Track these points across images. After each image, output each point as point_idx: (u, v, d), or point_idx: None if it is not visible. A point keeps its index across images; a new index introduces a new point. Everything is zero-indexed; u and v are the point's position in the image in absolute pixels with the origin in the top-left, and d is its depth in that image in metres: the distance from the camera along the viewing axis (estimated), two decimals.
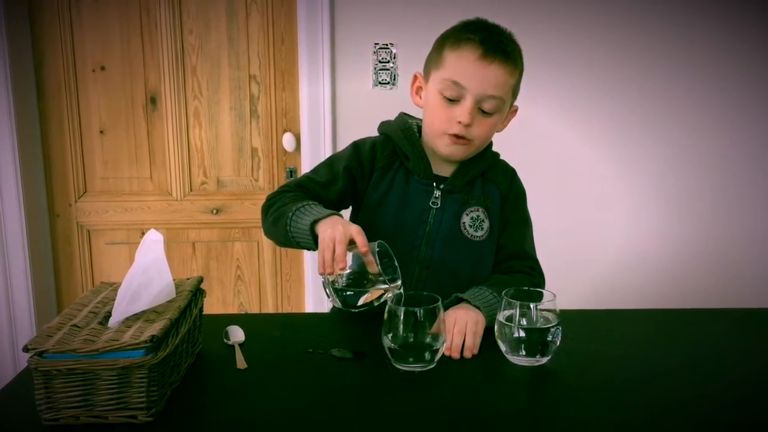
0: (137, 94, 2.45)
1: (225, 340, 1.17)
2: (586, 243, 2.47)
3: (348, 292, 1.05)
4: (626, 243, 2.49)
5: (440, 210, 1.31)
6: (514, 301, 1.06)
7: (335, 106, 2.38)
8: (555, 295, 1.08)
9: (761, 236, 2.50)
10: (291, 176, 2.49)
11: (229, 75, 2.44)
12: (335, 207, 1.26)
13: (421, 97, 1.32)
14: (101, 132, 2.47)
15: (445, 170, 1.33)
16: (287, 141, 2.44)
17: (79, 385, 0.88)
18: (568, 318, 1.23)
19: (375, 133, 1.39)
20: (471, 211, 1.32)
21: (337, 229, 1.05)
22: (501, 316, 1.07)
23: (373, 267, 1.04)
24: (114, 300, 1.00)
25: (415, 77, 1.33)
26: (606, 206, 2.47)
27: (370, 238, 1.07)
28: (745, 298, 2.39)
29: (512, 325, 1.06)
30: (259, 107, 2.46)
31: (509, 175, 1.38)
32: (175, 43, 2.41)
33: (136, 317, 0.97)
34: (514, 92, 1.28)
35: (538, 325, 1.05)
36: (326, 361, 1.08)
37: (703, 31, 2.37)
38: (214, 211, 2.52)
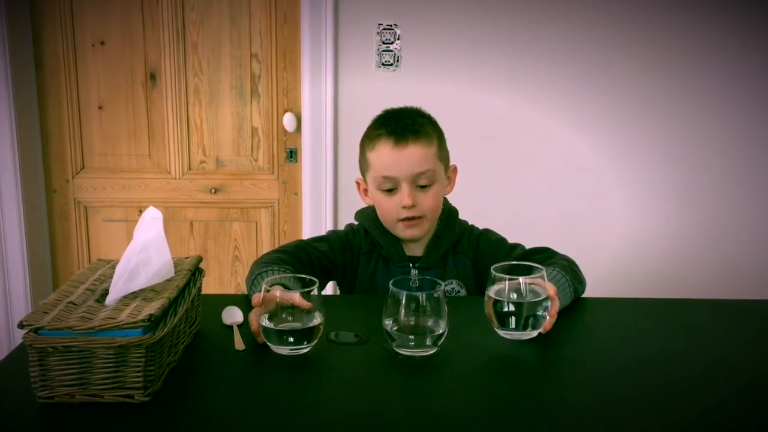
0: (137, 70, 2.42)
1: (223, 321, 1.16)
2: (585, 234, 2.46)
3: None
4: (625, 234, 2.48)
5: (419, 288, 1.36)
6: (503, 275, 1.08)
7: (337, 87, 2.35)
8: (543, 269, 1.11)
9: (760, 227, 2.48)
10: (291, 157, 2.47)
11: (230, 53, 2.41)
12: (324, 269, 1.40)
13: (369, 197, 1.44)
14: (100, 108, 2.44)
15: (418, 250, 1.43)
16: (288, 121, 2.41)
17: (75, 363, 0.87)
18: (570, 307, 1.24)
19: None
20: (446, 285, 1.39)
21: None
22: (491, 291, 1.09)
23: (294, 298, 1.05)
24: (111, 277, 0.98)
25: (358, 183, 1.46)
26: (605, 198, 2.45)
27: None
28: (745, 290, 2.39)
29: (502, 299, 1.08)
30: (260, 86, 2.43)
31: (473, 241, 1.45)
32: (176, 18, 2.37)
33: (134, 295, 0.95)
34: (442, 157, 1.38)
35: (528, 299, 1.07)
36: (325, 344, 1.07)
37: (702, 20, 2.33)
38: (213, 191, 2.50)
